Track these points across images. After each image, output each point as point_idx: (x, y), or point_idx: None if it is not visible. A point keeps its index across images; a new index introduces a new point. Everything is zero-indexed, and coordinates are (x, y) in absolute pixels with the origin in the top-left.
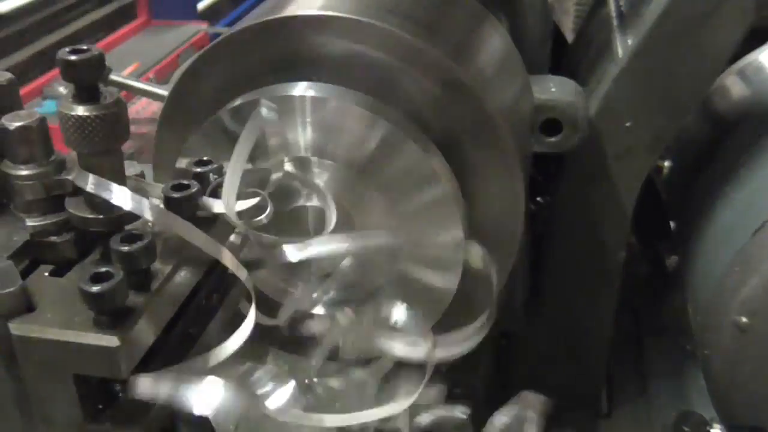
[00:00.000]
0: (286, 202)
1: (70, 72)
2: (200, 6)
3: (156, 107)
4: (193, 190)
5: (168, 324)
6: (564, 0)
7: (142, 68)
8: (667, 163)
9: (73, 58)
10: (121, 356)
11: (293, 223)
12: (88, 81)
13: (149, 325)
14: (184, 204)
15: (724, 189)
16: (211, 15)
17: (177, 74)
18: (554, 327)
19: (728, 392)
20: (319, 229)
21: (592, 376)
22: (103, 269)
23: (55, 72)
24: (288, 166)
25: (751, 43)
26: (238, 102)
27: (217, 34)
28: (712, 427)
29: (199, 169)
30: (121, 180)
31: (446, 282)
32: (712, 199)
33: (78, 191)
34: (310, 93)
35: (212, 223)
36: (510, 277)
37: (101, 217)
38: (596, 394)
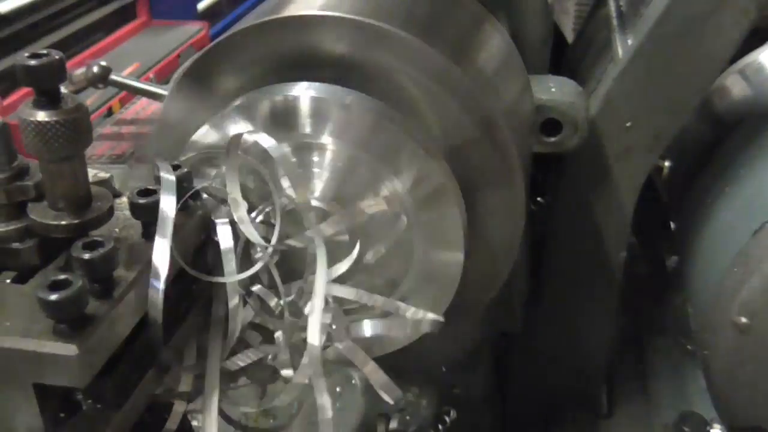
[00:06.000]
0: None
1: (29, 77)
2: (200, 6)
3: (156, 107)
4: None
5: (133, 331)
6: (564, 0)
7: (142, 68)
8: (667, 163)
9: (32, 62)
10: (80, 365)
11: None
12: (48, 86)
13: (111, 333)
14: (150, 210)
15: (724, 189)
16: (211, 15)
17: (177, 74)
18: (554, 327)
19: (728, 393)
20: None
21: (592, 376)
22: (62, 277)
23: None
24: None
25: (751, 43)
26: (237, 102)
27: (217, 34)
28: (712, 427)
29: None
30: (85, 186)
31: (447, 280)
32: (712, 200)
33: (40, 197)
34: (310, 93)
35: (180, 229)
36: (510, 277)
37: (63, 223)
38: (596, 394)
